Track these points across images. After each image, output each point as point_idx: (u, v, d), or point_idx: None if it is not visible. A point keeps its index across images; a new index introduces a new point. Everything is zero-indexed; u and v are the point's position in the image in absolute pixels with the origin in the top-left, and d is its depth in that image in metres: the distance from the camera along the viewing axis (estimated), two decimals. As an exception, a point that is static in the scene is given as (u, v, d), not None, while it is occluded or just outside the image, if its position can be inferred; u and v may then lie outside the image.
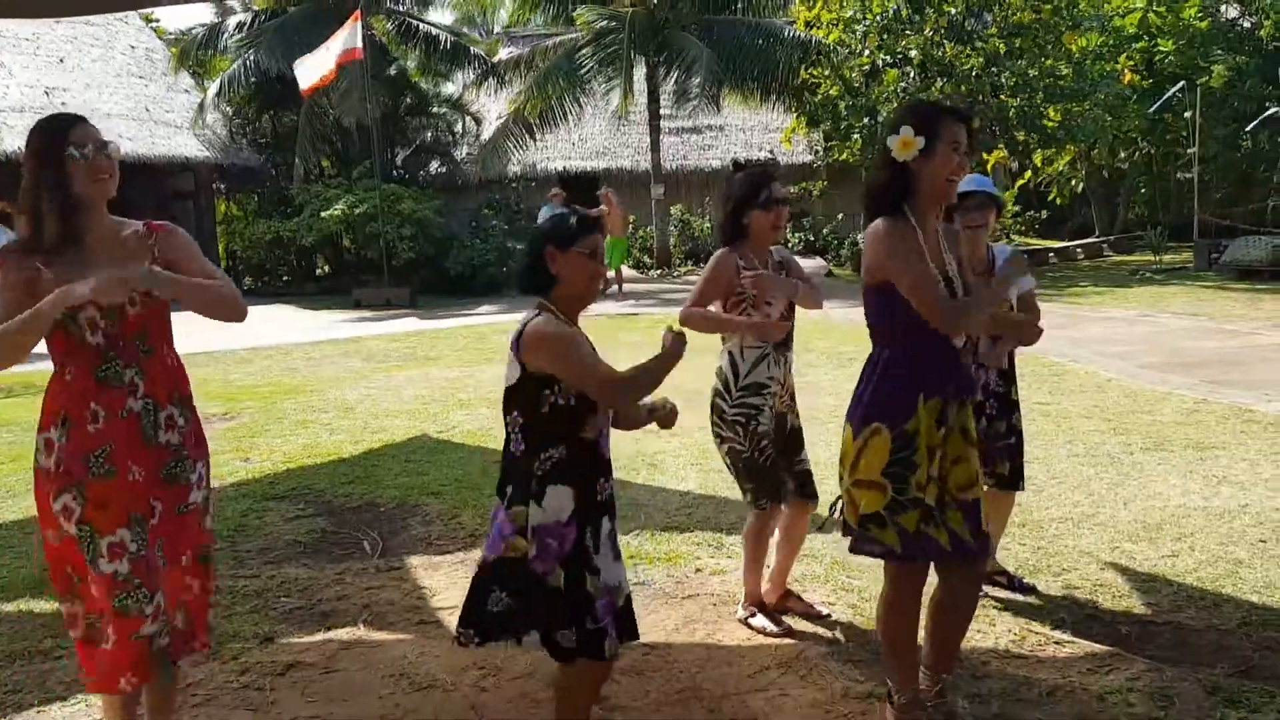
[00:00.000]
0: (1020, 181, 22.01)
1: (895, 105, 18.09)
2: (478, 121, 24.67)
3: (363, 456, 6.56)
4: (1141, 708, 2.99)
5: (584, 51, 20.60)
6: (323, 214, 18.86)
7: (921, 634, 2.93)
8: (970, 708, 3.00)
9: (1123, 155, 21.91)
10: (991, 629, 3.64)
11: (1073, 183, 21.74)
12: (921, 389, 2.71)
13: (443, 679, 3.27)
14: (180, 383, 2.71)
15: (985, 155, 19.68)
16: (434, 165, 24.15)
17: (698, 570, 4.36)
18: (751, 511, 3.69)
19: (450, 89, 25.77)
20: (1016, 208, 23.27)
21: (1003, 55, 17.49)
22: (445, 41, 22.77)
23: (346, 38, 16.17)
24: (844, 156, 19.53)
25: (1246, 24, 21.18)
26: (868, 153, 18.65)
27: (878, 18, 18.14)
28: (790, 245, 23.17)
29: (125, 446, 2.54)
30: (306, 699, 3.19)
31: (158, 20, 26.92)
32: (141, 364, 2.58)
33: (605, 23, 20.35)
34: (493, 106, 24.93)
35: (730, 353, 3.63)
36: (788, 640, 3.58)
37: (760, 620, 3.69)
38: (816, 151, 21.76)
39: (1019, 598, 3.91)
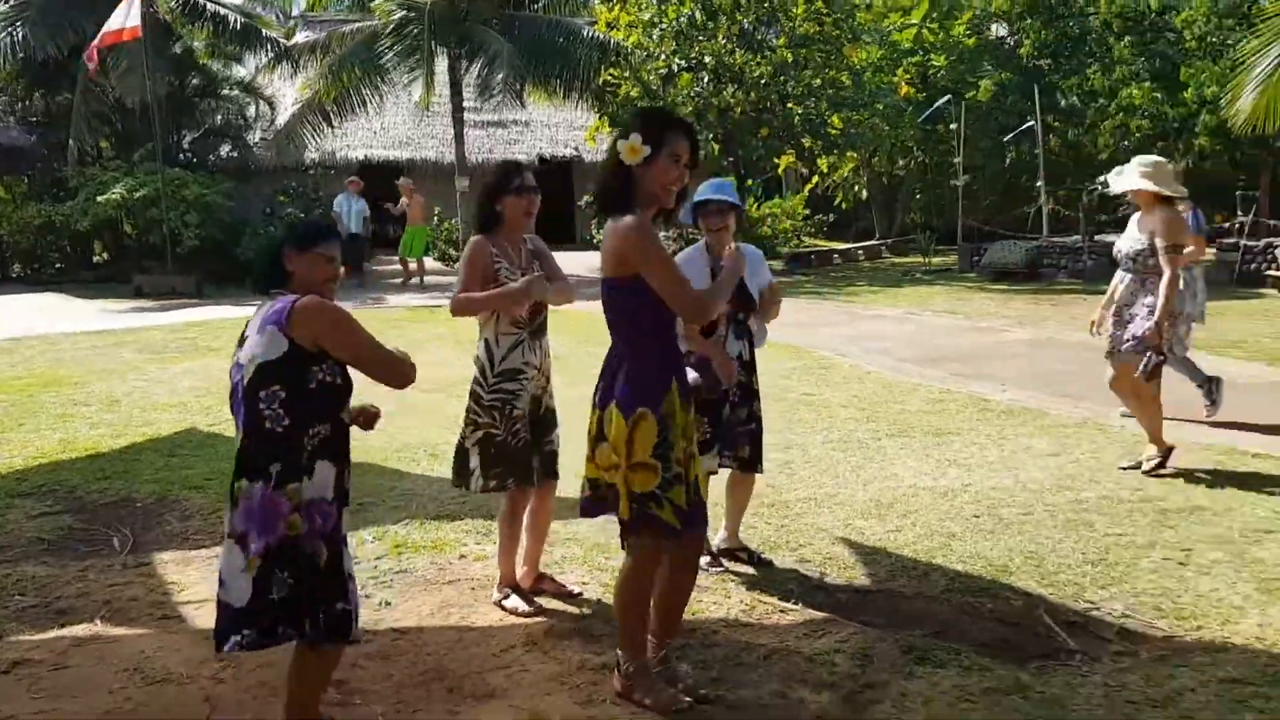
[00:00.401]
0: (809, 186, 23.21)
1: (691, 109, 18.73)
2: (272, 106, 23.79)
3: (123, 451, 6.28)
4: (844, 666, 3.32)
5: (384, 41, 20.19)
6: (99, 198, 17.70)
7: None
8: (693, 672, 3.24)
9: (901, 163, 23.45)
10: (726, 600, 3.92)
11: (856, 188, 23.10)
12: (672, 373, 2.95)
13: (179, 672, 3.24)
14: None
15: (776, 159, 20.65)
16: (225, 149, 23.09)
17: (462, 556, 4.46)
18: (504, 496, 3.84)
19: (242, 72, 24.69)
20: (806, 211, 24.45)
21: (790, 65, 18.37)
22: (235, 22, 21.78)
23: (123, 14, 15.24)
24: (645, 156, 19.95)
25: (1011, 42, 23.08)
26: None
27: (673, 23, 18.68)
28: (595, 241, 23.55)
29: None
30: (31, 695, 3.09)
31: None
32: None
33: (404, 13, 20.02)
34: (289, 91, 24.10)
35: (486, 340, 3.76)
36: (539, 619, 3.74)
37: (513, 601, 3.83)
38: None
39: (754, 571, 4.22)
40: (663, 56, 19.07)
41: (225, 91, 23.49)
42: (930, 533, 4.68)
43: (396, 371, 2.74)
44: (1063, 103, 20.98)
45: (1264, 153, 18.93)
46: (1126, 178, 5.55)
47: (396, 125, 25.34)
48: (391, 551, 4.51)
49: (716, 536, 4.39)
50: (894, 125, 20.01)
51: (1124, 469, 5.58)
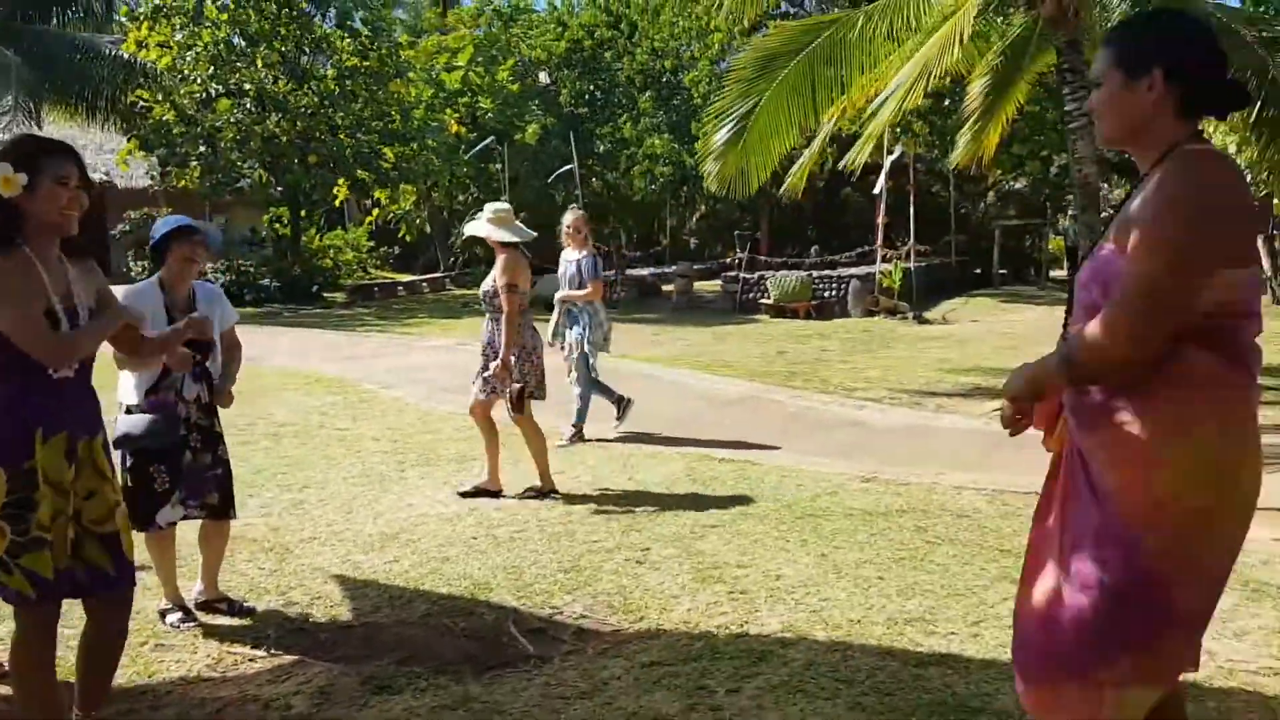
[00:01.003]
0: (369, 218, 23.03)
1: (233, 134, 17.82)
2: None
3: None
4: (301, 707, 3.30)
5: None
6: None
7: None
8: (127, 739, 3.06)
9: (460, 198, 24.05)
10: (192, 656, 3.74)
11: (419, 221, 23.28)
12: (40, 425, 2.70)
13: None
14: None
15: (334, 190, 20.26)
16: None
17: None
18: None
19: None
20: (371, 243, 24.24)
21: (337, 95, 18.17)
22: None
23: None
24: (183, 183, 18.71)
25: (554, 90, 24.62)
26: (208, 180, 18.10)
27: (209, 47, 17.70)
28: (131, 274, 21.46)
29: None
30: None
31: None
32: None
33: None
34: None
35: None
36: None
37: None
38: (154, 176, 20.56)
39: (235, 621, 4.08)
40: (198, 80, 17.96)
41: None
42: (426, 559, 4.81)
43: None
44: (600, 148, 22.75)
45: (764, 200, 21.89)
46: (477, 224, 5.94)
47: None
48: None
49: (193, 589, 4.19)
50: (447, 161, 20.48)
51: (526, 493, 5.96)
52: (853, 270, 17.19)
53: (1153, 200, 1.90)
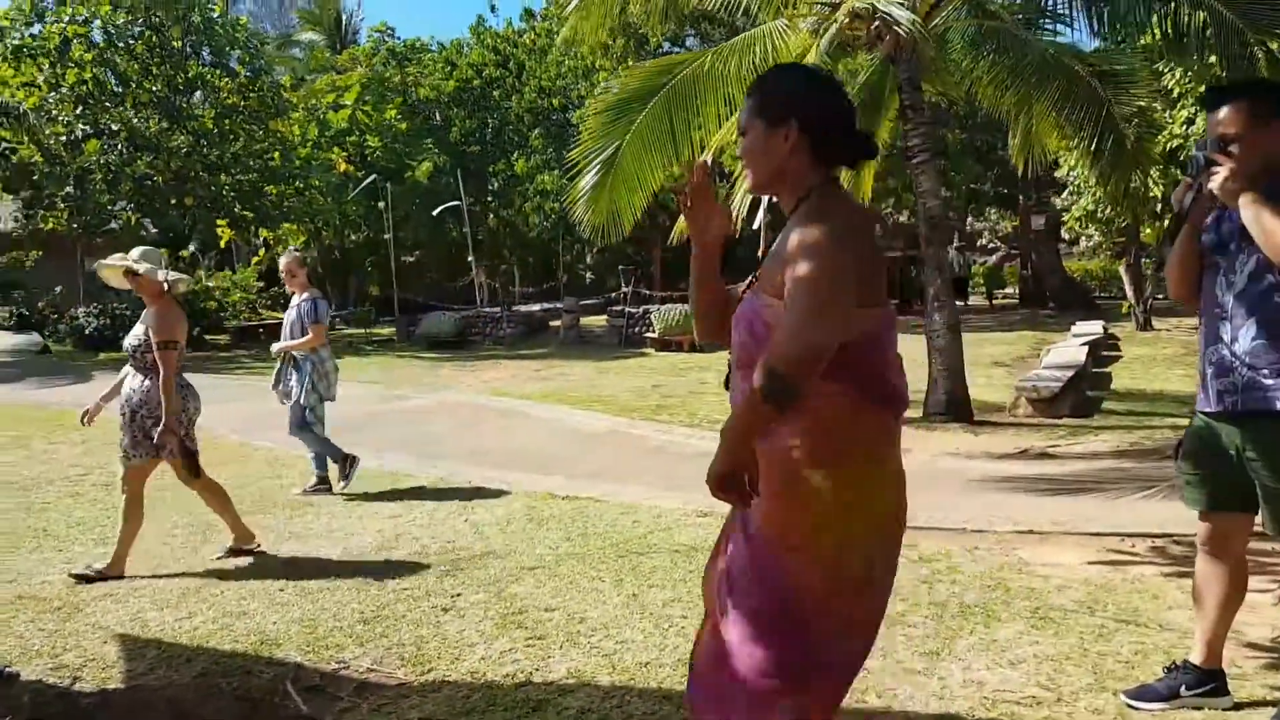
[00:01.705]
0: (256, 259, 22.47)
1: (101, 176, 17.26)
2: None
3: None
4: (24, 781, 3.06)
5: None
6: None
7: None
8: None
9: (354, 237, 23.65)
10: (-74, 731, 3.47)
11: (308, 261, 22.80)
12: None
13: None
14: None
15: (218, 231, 19.72)
16: None
17: None
18: None
19: None
20: (260, 283, 23.65)
21: (213, 134, 17.77)
22: None
23: None
24: (51, 226, 18.03)
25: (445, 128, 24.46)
26: (76, 222, 17.47)
27: (74, 87, 17.15)
28: (1, 322, 20.57)
29: None
30: None
31: None
32: None
33: None
34: None
35: None
36: None
37: None
38: (18, 218, 19.78)
39: (-12, 690, 3.79)
40: (65, 120, 17.38)
41: None
42: (222, 614, 4.56)
43: None
44: (494, 185, 22.65)
45: (656, 233, 22.01)
46: (125, 264, 5.23)
47: None
48: None
49: (-53, 658, 3.90)
50: (336, 200, 20.16)
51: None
52: (739, 302, 17.28)
53: (796, 240, 1.93)
